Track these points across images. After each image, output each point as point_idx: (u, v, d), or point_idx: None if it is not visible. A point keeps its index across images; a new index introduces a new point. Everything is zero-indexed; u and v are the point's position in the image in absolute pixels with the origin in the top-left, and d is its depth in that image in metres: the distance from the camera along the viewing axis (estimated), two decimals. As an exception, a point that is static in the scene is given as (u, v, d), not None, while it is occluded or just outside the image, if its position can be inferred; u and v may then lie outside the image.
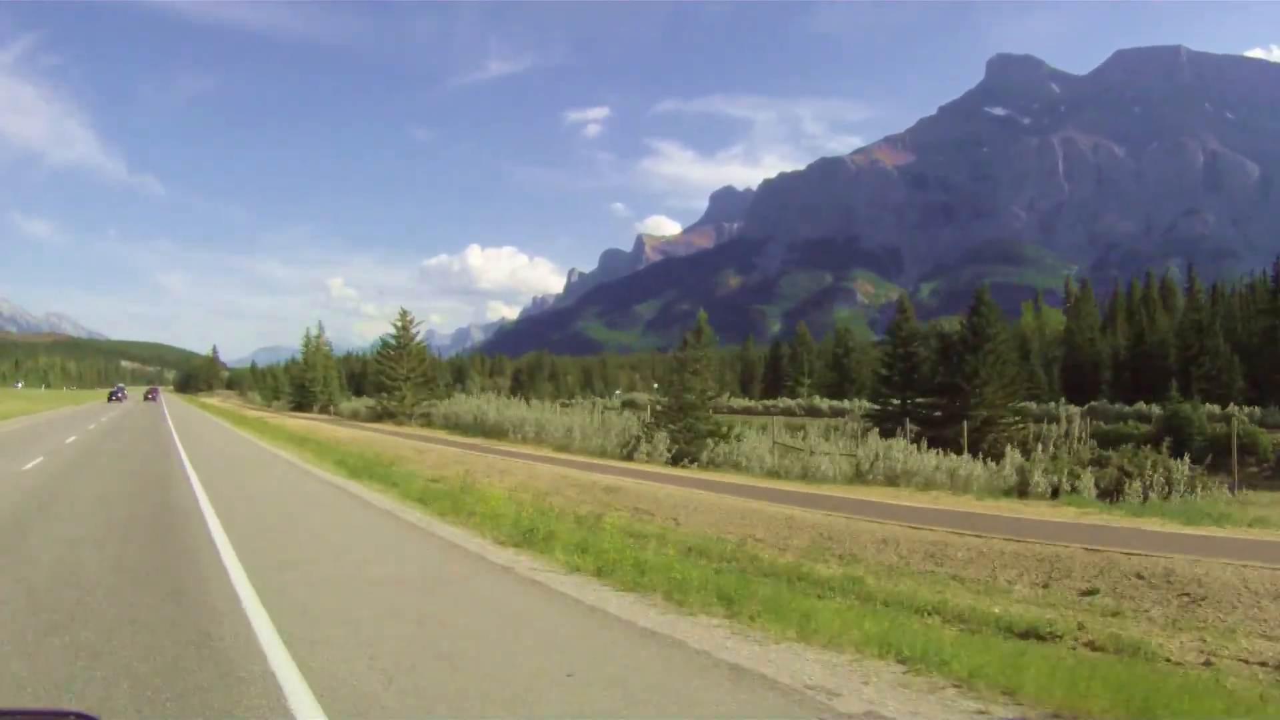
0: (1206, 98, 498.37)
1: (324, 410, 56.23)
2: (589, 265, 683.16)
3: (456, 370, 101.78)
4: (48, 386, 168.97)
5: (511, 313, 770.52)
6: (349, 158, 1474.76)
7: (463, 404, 34.86)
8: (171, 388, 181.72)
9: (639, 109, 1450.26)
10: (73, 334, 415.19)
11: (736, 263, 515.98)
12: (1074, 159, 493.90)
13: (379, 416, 40.93)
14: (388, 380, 40.72)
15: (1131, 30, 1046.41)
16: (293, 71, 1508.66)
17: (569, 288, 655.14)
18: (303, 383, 62.32)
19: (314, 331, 65.20)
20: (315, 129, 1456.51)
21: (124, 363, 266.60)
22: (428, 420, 36.20)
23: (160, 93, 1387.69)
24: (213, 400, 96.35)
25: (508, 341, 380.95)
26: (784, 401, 51.80)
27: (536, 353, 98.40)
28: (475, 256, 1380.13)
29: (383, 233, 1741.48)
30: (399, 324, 42.38)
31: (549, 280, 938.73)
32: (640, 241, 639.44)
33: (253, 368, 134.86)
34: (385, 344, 44.05)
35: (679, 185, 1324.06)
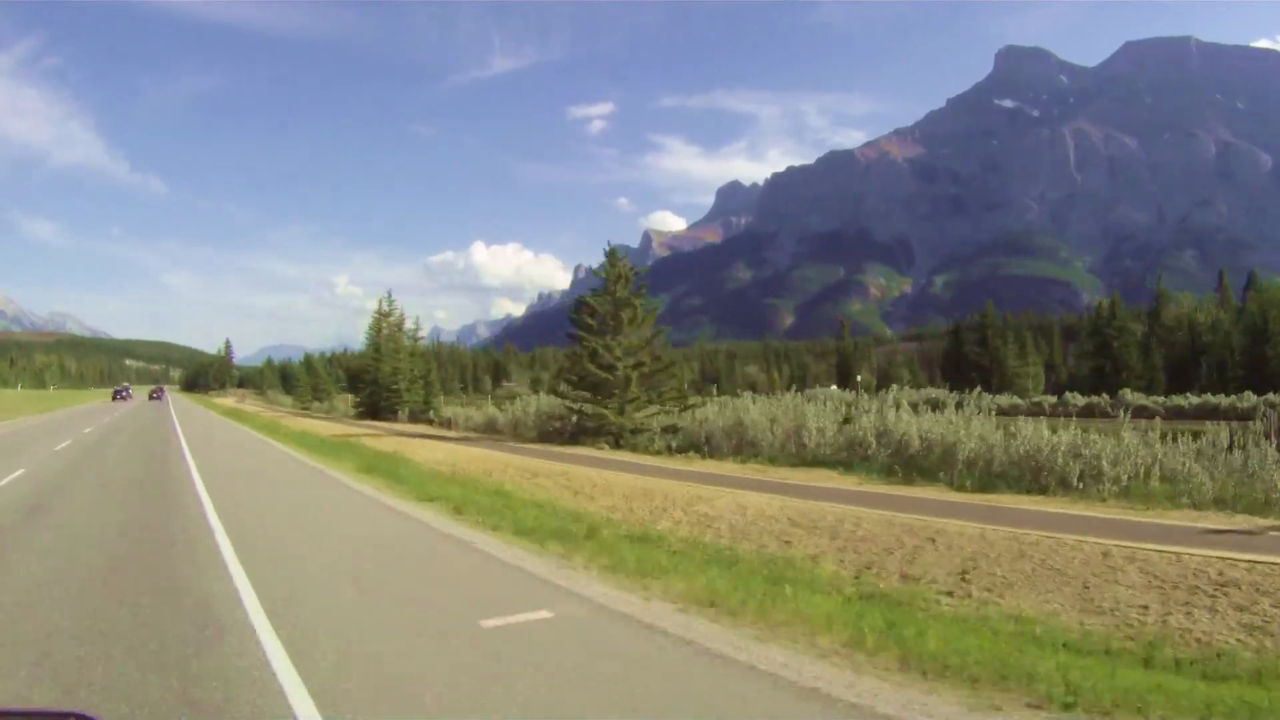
0: (1217, 88, 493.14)
1: (419, 420, 40.22)
2: (595, 261, 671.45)
3: (494, 366, 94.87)
4: (37, 386, 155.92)
5: (517, 309, 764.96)
6: (352, 155, 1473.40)
7: (751, 410, 19.35)
8: (178, 386, 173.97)
9: (642, 104, 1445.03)
10: (77, 333, 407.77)
11: (746, 257, 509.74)
12: (1086, 150, 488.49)
13: (567, 434, 23.84)
14: (596, 369, 22.84)
15: (1139, 21, 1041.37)
16: (295, 69, 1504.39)
17: (576, 283, 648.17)
18: (374, 379, 46.11)
19: (384, 307, 48.52)
20: (318, 127, 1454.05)
21: (129, 361, 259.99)
22: (675, 440, 20.53)
23: (162, 92, 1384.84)
24: (227, 400, 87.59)
25: (515, 337, 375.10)
26: (1213, 399, 39.64)
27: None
28: (480, 253, 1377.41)
29: (387, 230, 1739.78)
30: (604, 268, 24.75)
31: (555, 276, 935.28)
32: (647, 237, 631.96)
33: (268, 363, 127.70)
34: (582, 301, 25.10)
35: (683, 181, 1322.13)
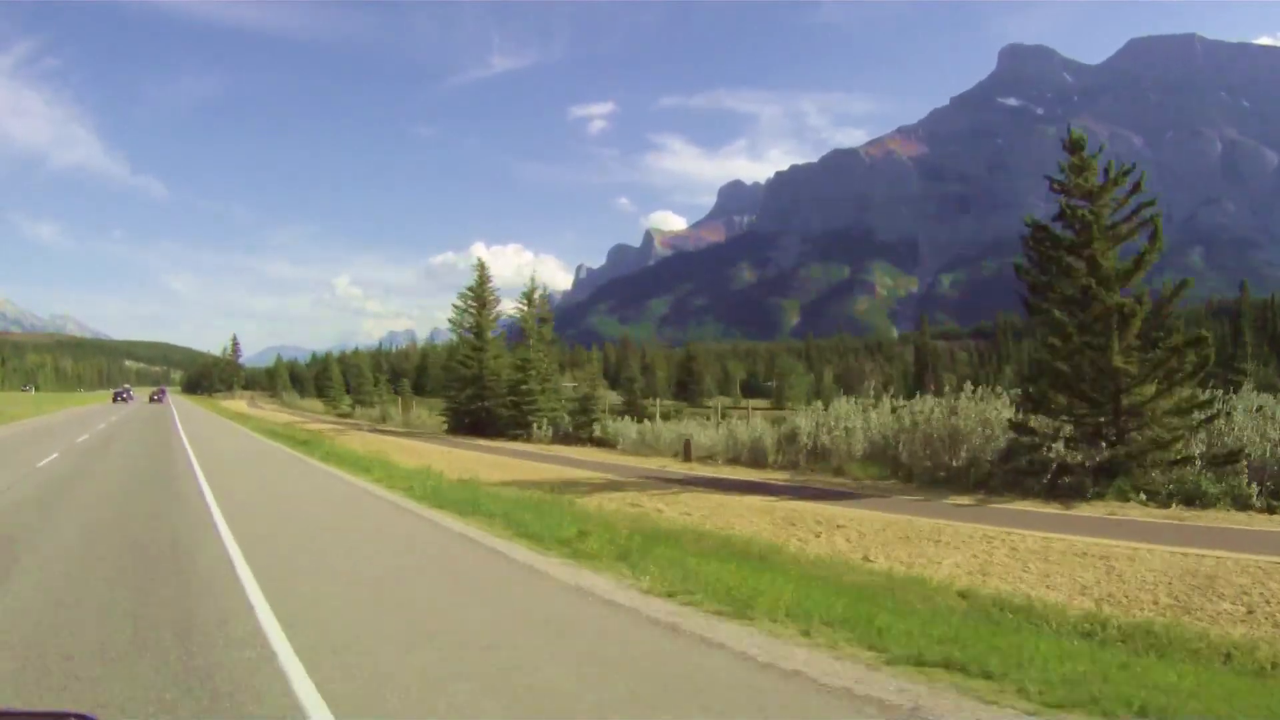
0: (1222, 86, 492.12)
1: (573, 440, 28.26)
2: (596, 261, 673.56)
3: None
4: (34, 389, 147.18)
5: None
6: (352, 155, 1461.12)
7: None
8: (178, 388, 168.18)
9: (643, 104, 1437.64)
10: (78, 334, 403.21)
11: (750, 256, 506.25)
12: (1091, 149, 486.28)
13: (1046, 478, 12.35)
14: (1122, 359, 12.61)
15: (1143, 19, 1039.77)
16: (295, 70, 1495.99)
17: (578, 283, 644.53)
18: (475, 377, 34.29)
19: (485, 273, 35.88)
20: (318, 128, 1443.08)
21: (128, 362, 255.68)
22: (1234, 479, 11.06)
23: (162, 93, 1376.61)
24: (239, 404, 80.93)
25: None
26: None
27: (618, 346, 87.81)
28: (481, 254, 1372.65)
29: (387, 231, 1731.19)
30: (1071, 167, 13.75)
31: (556, 276, 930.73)
32: (649, 236, 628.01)
33: (279, 362, 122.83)
34: (1057, 230, 13.71)
35: (684, 181, 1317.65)
